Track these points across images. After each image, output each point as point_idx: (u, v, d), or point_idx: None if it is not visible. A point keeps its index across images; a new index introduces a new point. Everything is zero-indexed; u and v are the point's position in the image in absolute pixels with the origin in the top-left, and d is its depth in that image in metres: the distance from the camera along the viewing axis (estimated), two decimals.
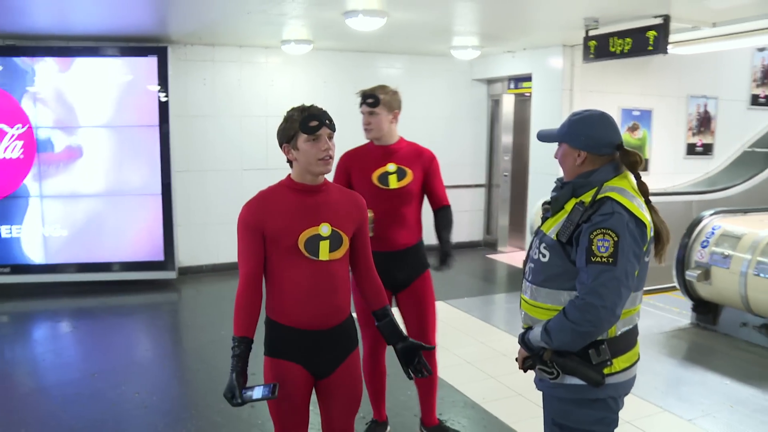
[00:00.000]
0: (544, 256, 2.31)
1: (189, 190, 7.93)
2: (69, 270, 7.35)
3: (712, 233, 5.79)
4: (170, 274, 7.56)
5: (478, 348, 5.59)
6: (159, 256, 7.50)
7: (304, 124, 2.49)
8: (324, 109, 2.57)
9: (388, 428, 4.08)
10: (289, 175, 2.62)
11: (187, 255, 7.99)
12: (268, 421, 4.18)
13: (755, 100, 9.09)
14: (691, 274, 5.77)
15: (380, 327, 2.79)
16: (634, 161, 2.35)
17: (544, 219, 2.42)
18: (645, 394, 4.46)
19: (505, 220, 9.66)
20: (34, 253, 7.28)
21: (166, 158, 7.38)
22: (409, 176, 3.62)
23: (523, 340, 2.36)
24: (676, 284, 6.10)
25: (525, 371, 2.43)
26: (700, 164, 8.76)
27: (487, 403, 4.50)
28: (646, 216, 2.26)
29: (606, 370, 2.25)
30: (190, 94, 7.85)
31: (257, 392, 2.46)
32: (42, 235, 7.26)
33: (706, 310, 6.00)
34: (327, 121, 2.53)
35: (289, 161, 2.60)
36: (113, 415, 4.36)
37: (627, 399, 2.42)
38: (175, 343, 6.14)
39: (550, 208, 2.38)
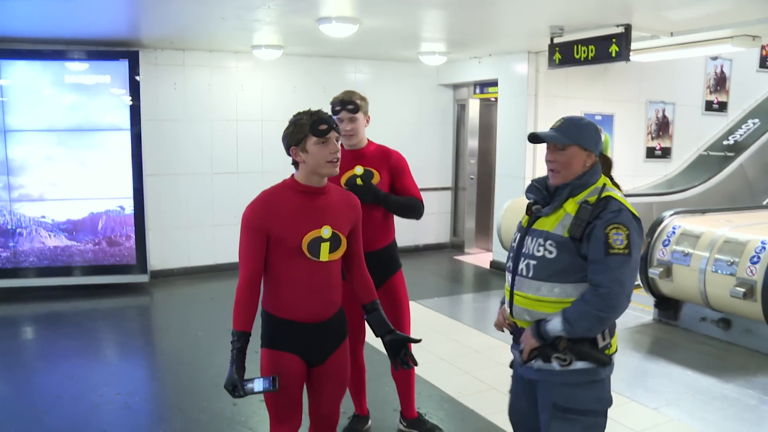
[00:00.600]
0: (550, 252, 2.46)
1: (160, 193, 7.95)
2: (40, 274, 7.32)
3: (673, 232, 6.07)
4: (142, 278, 7.59)
5: (450, 345, 5.76)
6: (131, 259, 7.53)
7: (315, 128, 2.63)
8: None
9: (369, 422, 4.21)
10: (293, 176, 2.75)
11: (158, 258, 8.02)
12: (251, 418, 4.32)
13: (709, 106, 9.50)
14: (654, 272, 6.04)
15: (369, 320, 2.95)
16: (609, 164, 2.64)
17: (536, 218, 2.57)
18: (613, 386, 4.64)
19: (472, 222, 9.87)
20: (1, 256, 7.24)
21: (138, 162, 7.41)
22: (376, 178, 3.66)
23: (538, 331, 2.48)
24: (639, 282, 6.36)
25: (527, 362, 2.56)
26: (659, 167, 9.12)
27: (463, 396, 4.67)
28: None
29: (607, 352, 2.51)
30: (160, 98, 7.88)
31: (258, 385, 2.59)
32: (12, 239, 7.23)
33: (667, 307, 6.27)
34: (335, 125, 2.69)
35: (294, 164, 2.73)
36: (97, 416, 4.41)
37: None
38: (151, 345, 6.18)
39: (547, 208, 2.54)
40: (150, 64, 7.74)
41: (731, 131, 9.58)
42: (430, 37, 7.38)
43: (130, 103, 7.35)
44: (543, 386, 2.57)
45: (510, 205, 7.82)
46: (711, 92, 9.45)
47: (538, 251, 2.50)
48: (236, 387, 2.55)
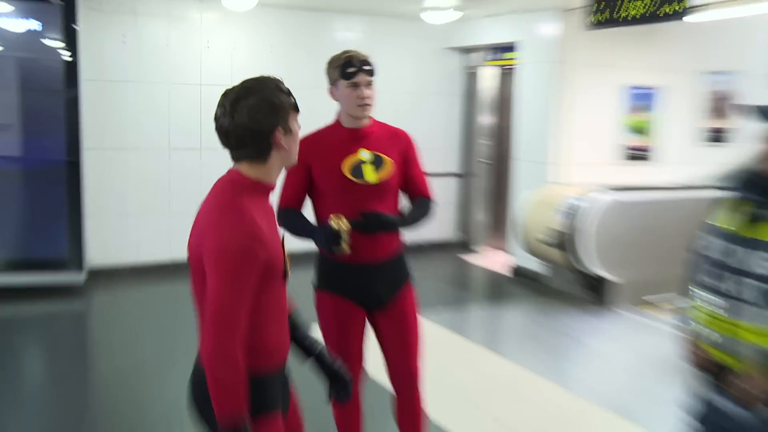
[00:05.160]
0: None
1: (103, 172, 7.26)
2: None
3: None
4: (76, 277, 6.85)
5: (464, 374, 5.13)
6: (61, 253, 6.81)
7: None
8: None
9: None
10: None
11: (98, 253, 7.29)
12: None
13: None
14: None
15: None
16: None
17: (755, 220, 2.26)
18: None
19: (483, 215, 9.29)
20: None
21: (74, 131, 6.71)
22: (389, 165, 3.21)
23: None
24: None
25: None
26: (718, 153, 8.45)
27: None
28: None
29: None
30: (106, 53, 7.19)
31: None
32: None
33: None
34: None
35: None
36: None
37: None
38: (85, 368, 5.41)
39: None
40: (92, 10, 7.00)
41: None
42: None
43: (66, 57, 6.62)
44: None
45: (535, 198, 7.21)
46: None
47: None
48: None
